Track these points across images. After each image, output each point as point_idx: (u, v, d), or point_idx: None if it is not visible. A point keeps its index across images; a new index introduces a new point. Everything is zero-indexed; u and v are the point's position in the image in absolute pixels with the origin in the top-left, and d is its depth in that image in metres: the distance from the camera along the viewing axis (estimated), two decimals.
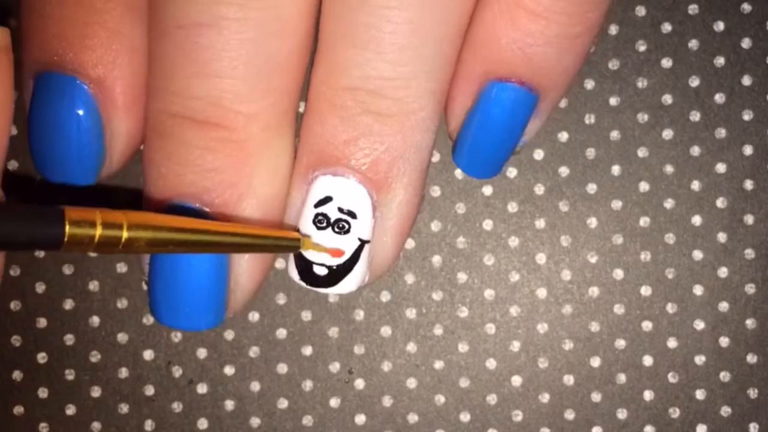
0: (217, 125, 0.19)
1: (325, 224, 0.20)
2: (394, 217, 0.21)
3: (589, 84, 0.23)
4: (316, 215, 0.20)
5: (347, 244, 0.20)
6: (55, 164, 0.21)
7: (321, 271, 0.20)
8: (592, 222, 0.24)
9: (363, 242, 0.20)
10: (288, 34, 0.20)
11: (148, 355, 0.24)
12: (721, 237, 0.23)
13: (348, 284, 0.21)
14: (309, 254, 0.20)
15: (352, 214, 0.20)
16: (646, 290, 0.24)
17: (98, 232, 0.17)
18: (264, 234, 0.19)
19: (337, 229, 0.20)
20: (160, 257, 0.20)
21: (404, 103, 0.20)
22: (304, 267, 0.21)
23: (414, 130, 0.20)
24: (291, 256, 0.21)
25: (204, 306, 0.20)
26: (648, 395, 0.23)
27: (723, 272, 0.23)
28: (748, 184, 0.23)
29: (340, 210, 0.20)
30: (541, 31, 0.20)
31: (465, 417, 0.24)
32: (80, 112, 0.20)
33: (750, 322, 0.23)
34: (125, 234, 0.17)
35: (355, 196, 0.20)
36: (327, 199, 0.20)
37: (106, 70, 0.20)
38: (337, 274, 0.20)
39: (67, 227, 0.16)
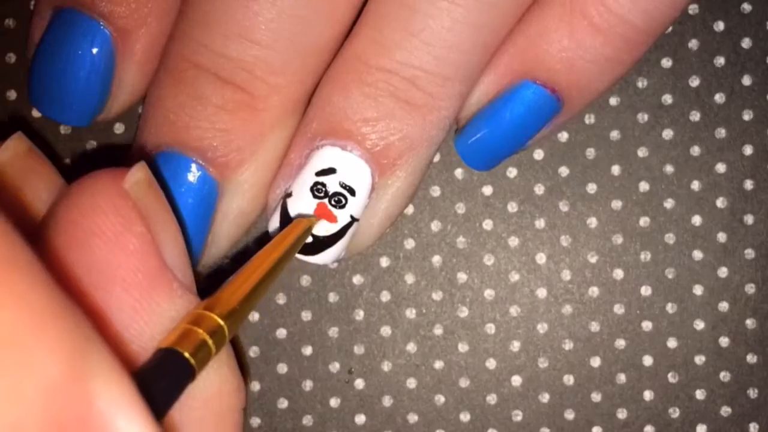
0: (241, 89, 0.20)
1: (322, 194, 0.20)
2: (388, 202, 0.21)
3: None
4: (316, 183, 0.20)
5: (339, 219, 0.20)
6: (55, 100, 0.21)
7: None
8: (592, 222, 0.23)
9: (353, 220, 0.20)
10: (335, 21, 0.20)
11: None
12: (721, 237, 0.23)
13: (325, 256, 0.21)
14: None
15: (352, 191, 0.20)
16: (646, 290, 0.24)
17: (210, 342, 0.16)
18: (294, 240, 0.19)
19: (333, 203, 0.20)
20: None
21: (433, 99, 0.20)
22: None
23: (433, 125, 0.20)
24: (275, 215, 0.21)
25: None
26: (648, 395, 0.23)
27: (723, 272, 0.23)
28: (748, 184, 0.23)
29: (342, 185, 0.20)
30: (595, 48, 0.20)
31: (465, 417, 0.24)
32: (96, 51, 0.20)
33: (750, 322, 0.23)
34: (225, 327, 0.16)
35: (360, 174, 0.20)
36: (330, 171, 0.20)
37: (134, 24, 0.20)
38: (320, 244, 0.21)
39: (190, 360, 0.15)
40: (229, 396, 0.17)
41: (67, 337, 0.11)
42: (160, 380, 0.15)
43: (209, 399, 0.17)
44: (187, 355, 0.15)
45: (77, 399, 0.11)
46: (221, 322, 0.16)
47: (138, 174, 0.17)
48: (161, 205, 0.17)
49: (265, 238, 0.23)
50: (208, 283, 0.24)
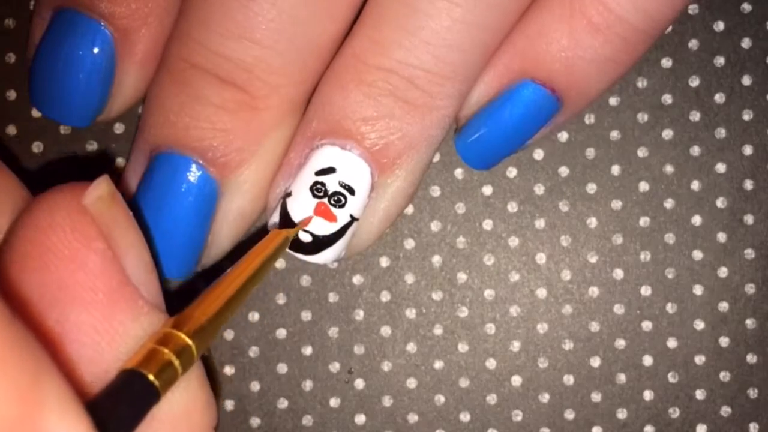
0: (241, 89, 0.20)
1: (322, 194, 0.20)
2: (388, 201, 0.21)
3: None
4: (315, 183, 0.20)
5: (339, 218, 0.20)
6: (55, 100, 0.21)
7: (305, 237, 0.20)
8: (592, 222, 0.23)
9: (353, 219, 0.20)
10: (335, 20, 0.20)
11: None
12: (721, 237, 0.23)
13: (326, 256, 0.21)
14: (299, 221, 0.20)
15: (351, 191, 0.20)
16: (646, 290, 0.24)
17: (176, 363, 0.15)
18: (271, 253, 0.19)
19: (333, 202, 0.20)
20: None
21: (433, 99, 0.20)
22: None
23: (433, 125, 0.20)
24: (275, 215, 0.21)
25: (179, 257, 0.21)
26: (648, 395, 0.23)
27: (723, 272, 0.23)
28: (748, 184, 0.23)
29: (341, 184, 0.20)
30: (594, 47, 0.20)
31: (465, 417, 0.24)
32: (96, 52, 0.20)
33: (750, 322, 0.23)
34: (193, 346, 0.16)
35: (359, 173, 0.20)
36: (330, 170, 0.20)
37: (134, 24, 0.20)
38: (319, 244, 0.21)
39: (155, 382, 0.15)
40: (198, 414, 0.16)
41: (20, 371, 0.11)
42: (123, 404, 0.14)
43: (177, 419, 0.16)
44: (151, 377, 0.15)
45: None
46: (189, 342, 0.16)
47: (99, 188, 0.16)
48: (125, 219, 0.16)
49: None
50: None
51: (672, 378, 0.23)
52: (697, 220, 0.23)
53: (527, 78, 0.20)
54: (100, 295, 0.15)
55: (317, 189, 0.20)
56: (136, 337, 0.16)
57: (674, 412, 0.24)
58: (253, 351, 0.24)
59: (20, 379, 0.11)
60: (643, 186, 0.23)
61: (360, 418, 0.24)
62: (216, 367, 0.24)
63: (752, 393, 0.23)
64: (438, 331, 0.24)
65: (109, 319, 0.15)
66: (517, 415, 0.24)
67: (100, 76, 0.21)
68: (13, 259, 0.15)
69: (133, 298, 0.16)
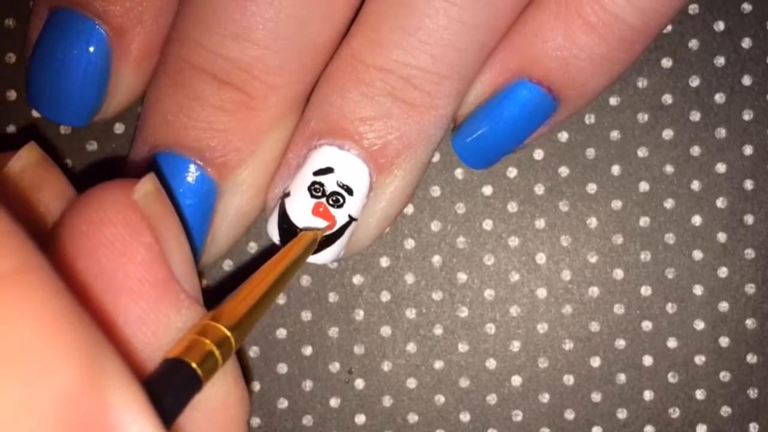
0: (239, 89, 0.20)
1: (320, 194, 0.20)
2: (386, 201, 0.21)
3: None
4: (313, 183, 0.20)
5: (337, 219, 0.20)
6: (52, 100, 0.21)
7: None
8: (592, 222, 0.23)
9: (351, 219, 0.20)
10: (333, 21, 0.20)
11: None
12: (721, 237, 0.23)
13: (324, 256, 0.21)
14: (299, 221, 0.20)
15: (350, 191, 0.20)
16: (646, 290, 0.24)
17: (216, 353, 0.16)
18: (300, 253, 0.19)
19: (331, 202, 0.20)
20: None
21: (431, 98, 0.20)
22: (288, 231, 0.21)
23: (430, 124, 0.20)
24: (274, 215, 0.21)
25: None
26: (648, 395, 0.23)
27: (723, 272, 0.23)
28: (748, 184, 0.23)
29: (339, 184, 0.20)
30: (589, 46, 0.20)
31: (465, 417, 0.24)
32: (91, 51, 0.20)
33: (750, 322, 0.23)
34: (231, 338, 0.16)
35: (357, 173, 0.20)
36: (328, 170, 0.20)
37: (129, 23, 0.20)
38: (318, 243, 0.21)
39: (197, 370, 0.15)
40: (233, 407, 0.17)
41: (82, 345, 0.11)
42: (167, 391, 0.15)
43: (214, 410, 0.17)
44: (194, 365, 0.15)
45: (92, 408, 0.11)
46: (228, 333, 0.16)
47: (147, 185, 0.17)
48: (169, 215, 0.17)
49: (264, 238, 0.23)
50: (215, 289, 0.24)
51: (672, 378, 0.23)
52: (697, 220, 0.23)
53: (524, 77, 0.20)
54: (148, 287, 0.16)
55: (315, 189, 0.20)
56: (177, 329, 0.16)
57: (674, 412, 0.23)
58: (253, 351, 0.24)
59: (79, 352, 0.11)
60: (643, 186, 0.23)
61: (360, 418, 0.24)
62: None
63: (752, 393, 0.23)
64: (438, 331, 0.24)
65: (154, 310, 0.16)
66: (517, 415, 0.24)
67: (95, 75, 0.21)
68: (66, 250, 0.16)
69: (176, 291, 0.16)
